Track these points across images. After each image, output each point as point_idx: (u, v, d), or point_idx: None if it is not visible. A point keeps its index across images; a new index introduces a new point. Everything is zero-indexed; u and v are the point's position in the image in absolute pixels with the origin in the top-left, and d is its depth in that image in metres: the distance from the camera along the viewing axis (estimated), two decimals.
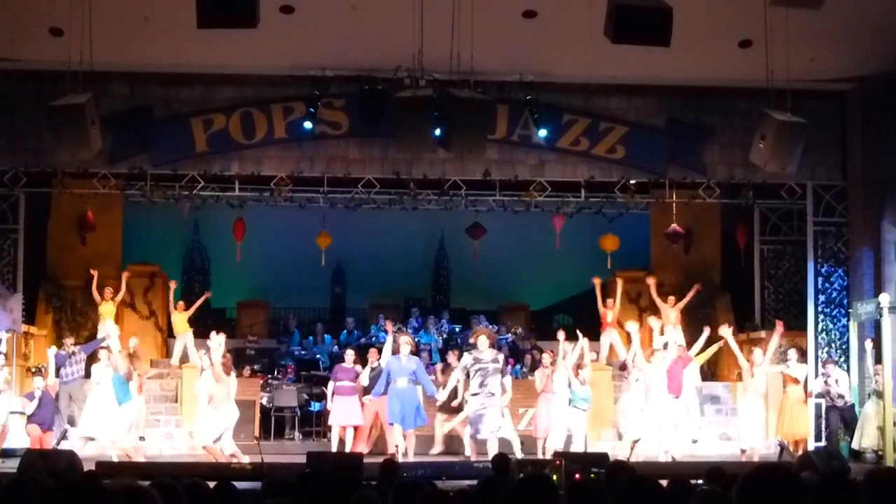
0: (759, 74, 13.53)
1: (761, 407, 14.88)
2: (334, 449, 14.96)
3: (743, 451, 14.75)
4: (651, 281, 18.30)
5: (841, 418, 16.01)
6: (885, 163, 16.66)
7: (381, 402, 15.19)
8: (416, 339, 18.90)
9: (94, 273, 17.69)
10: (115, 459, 13.75)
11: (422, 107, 13.65)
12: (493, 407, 14.11)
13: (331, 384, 15.51)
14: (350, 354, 15.67)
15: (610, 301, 18.23)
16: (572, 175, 17.40)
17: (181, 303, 18.25)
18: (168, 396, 17.17)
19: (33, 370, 16.07)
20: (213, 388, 14.02)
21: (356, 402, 15.21)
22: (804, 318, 17.45)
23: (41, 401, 14.79)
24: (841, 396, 15.92)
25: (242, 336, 19.51)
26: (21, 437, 15.07)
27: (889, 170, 16.64)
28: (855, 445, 15.78)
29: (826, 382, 15.98)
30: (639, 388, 14.48)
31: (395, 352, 14.96)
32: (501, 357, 14.98)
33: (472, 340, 14.94)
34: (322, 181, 17.31)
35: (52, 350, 15.66)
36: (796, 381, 15.46)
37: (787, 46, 13.22)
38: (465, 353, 14.79)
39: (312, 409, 17.33)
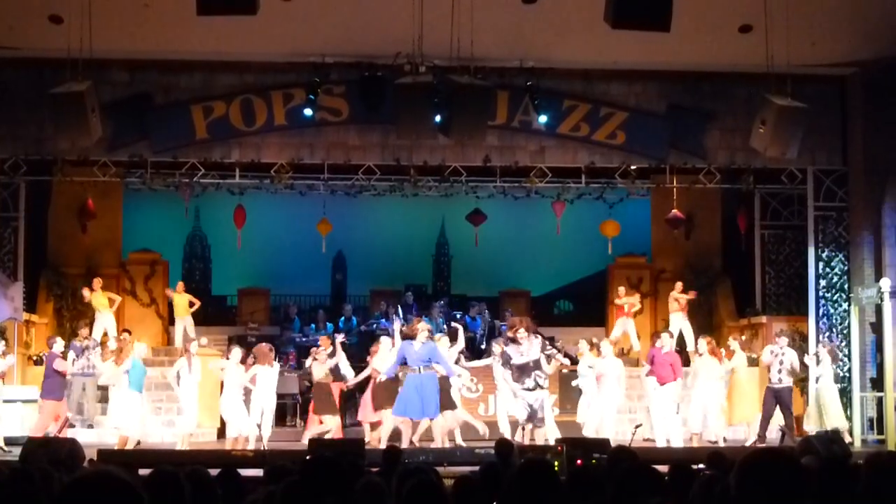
0: (759, 59, 13.52)
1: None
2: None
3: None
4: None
5: (776, 400, 15.30)
6: (885, 147, 16.64)
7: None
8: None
9: (98, 283, 17.73)
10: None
11: (422, 93, 13.64)
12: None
13: None
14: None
15: (622, 290, 18.42)
16: (573, 161, 17.37)
17: (181, 283, 18.20)
18: (169, 384, 17.13)
19: (35, 359, 16.09)
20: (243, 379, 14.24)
21: None
22: (805, 303, 17.45)
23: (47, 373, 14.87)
24: (779, 373, 15.28)
25: (244, 323, 19.49)
26: (23, 426, 15.08)
27: (890, 154, 16.62)
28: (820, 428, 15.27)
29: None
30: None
31: (409, 337, 14.65)
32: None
33: (510, 334, 14.50)
34: (322, 168, 17.30)
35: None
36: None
37: (788, 31, 13.20)
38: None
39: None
